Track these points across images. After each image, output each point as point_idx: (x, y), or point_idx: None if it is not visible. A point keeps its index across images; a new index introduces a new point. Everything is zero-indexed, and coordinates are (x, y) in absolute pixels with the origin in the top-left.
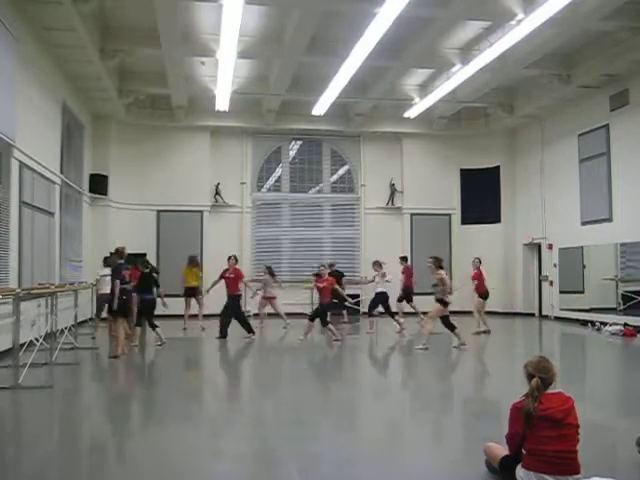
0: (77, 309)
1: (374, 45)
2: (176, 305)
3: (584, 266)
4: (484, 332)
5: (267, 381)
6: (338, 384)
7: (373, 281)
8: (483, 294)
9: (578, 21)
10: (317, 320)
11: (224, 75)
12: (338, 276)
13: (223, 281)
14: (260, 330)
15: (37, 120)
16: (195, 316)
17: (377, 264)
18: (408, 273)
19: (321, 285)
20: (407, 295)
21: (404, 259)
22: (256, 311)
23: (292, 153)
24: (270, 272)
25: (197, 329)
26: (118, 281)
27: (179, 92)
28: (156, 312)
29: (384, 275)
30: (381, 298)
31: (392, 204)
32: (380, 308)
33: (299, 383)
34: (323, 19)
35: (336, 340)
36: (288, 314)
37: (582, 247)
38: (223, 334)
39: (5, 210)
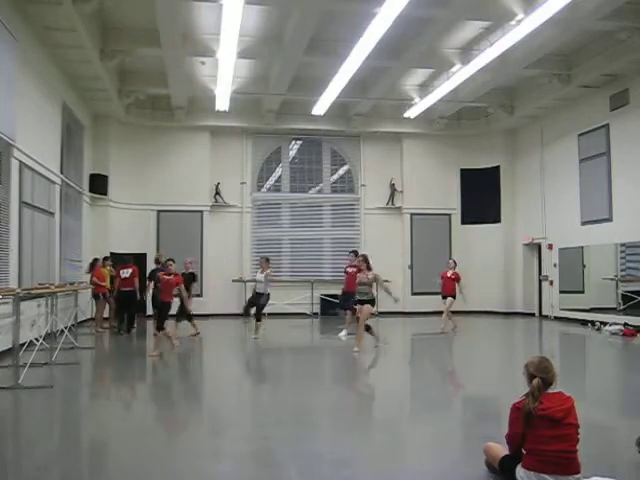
0: (77, 309)
1: (374, 45)
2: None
3: (584, 266)
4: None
5: None
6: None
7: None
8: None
9: (578, 21)
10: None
11: (224, 75)
12: (189, 278)
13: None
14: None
15: (37, 120)
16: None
17: (266, 261)
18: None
19: (167, 278)
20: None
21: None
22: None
23: (292, 153)
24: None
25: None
26: (152, 282)
27: (179, 92)
28: None
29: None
30: (266, 300)
31: (392, 204)
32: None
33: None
34: (323, 19)
35: (163, 354)
36: (288, 314)
37: (582, 247)
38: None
39: (5, 210)
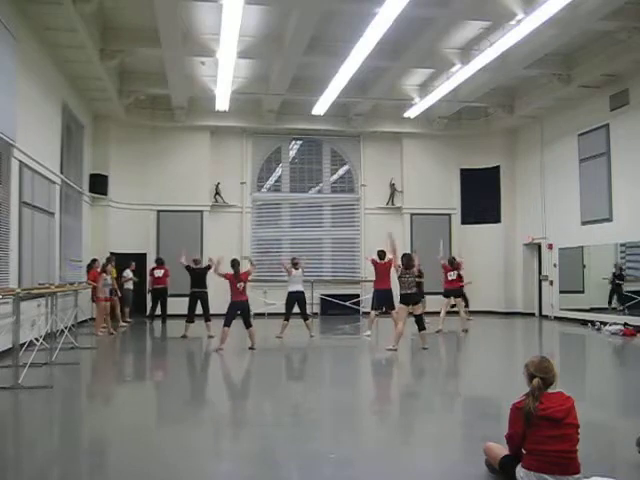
0: (77, 309)
1: (374, 45)
2: (176, 305)
3: (584, 266)
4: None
5: None
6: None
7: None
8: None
9: (578, 21)
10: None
11: (224, 75)
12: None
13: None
14: None
15: (37, 120)
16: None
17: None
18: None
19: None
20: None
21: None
22: (257, 310)
23: (292, 153)
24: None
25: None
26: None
27: (179, 92)
28: None
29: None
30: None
31: (392, 204)
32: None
33: None
34: (323, 19)
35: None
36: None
37: (582, 247)
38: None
39: (5, 210)
